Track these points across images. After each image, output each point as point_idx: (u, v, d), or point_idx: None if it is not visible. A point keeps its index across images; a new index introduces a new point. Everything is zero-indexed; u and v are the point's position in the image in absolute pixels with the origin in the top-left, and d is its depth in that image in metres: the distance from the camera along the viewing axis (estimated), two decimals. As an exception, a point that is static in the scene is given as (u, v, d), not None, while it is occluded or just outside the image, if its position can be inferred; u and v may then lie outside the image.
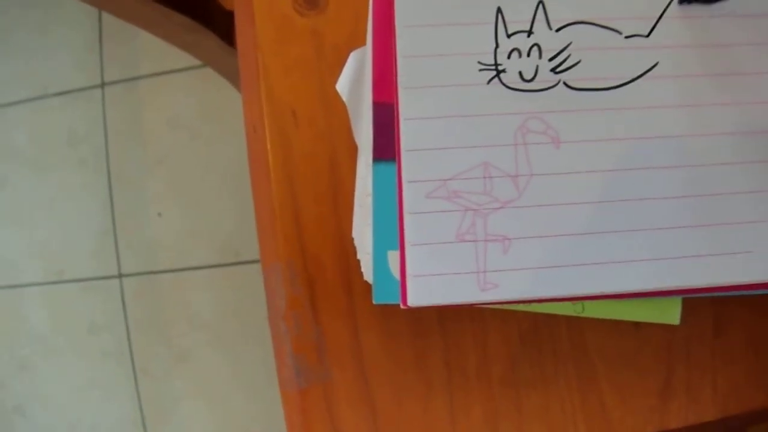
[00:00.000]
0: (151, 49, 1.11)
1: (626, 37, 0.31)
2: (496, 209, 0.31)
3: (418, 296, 0.31)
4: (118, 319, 1.14)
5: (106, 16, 1.13)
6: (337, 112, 0.35)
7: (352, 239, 0.34)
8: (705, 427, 0.35)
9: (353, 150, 0.34)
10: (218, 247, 1.10)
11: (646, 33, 0.32)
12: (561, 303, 0.33)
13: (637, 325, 0.35)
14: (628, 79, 0.31)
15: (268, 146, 0.35)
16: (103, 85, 1.15)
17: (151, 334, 1.14)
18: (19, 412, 1.17)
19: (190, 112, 1.11)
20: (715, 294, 0.32)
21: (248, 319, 1.02)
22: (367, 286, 0.34)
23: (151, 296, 1.14)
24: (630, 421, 0.35)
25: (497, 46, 0.31)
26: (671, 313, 0.34)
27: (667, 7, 0.32)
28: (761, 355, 0.35)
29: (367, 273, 0.33)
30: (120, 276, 1.14)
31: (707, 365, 0.35)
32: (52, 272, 1.16)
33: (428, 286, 0.31)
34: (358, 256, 0.34)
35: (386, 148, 0.31)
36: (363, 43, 0.33)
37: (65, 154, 1.16)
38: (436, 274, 0.31)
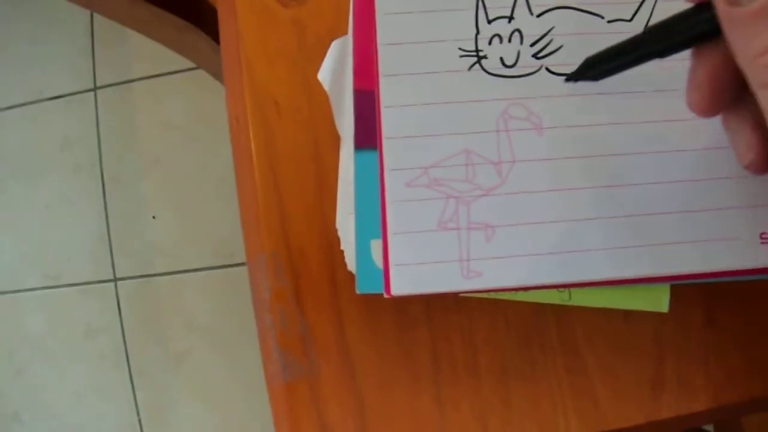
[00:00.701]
0: (143, 53, 1.11)
1: (609, 21, 0.31)
2: (479, 197, 0.30)
3: (401, 285, 0.30)
4: (115, 322, 1.14)
5: (98, 19, 1.13)
6: (319, 102, 0.34)
7: (336, 230, 0.34)
8: (697, 416, 0.35)
9: (336, 140, 0.34)
10: (213, 250, 1.09)
11: (629, 17, 0.31)
12: (547, 291, 0.32)
13: (626, 314, 0.34)
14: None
15: (251, 137, 0.35)
16: (95, 88, 1.15)
17: (147, 337, 1.13)
18: (16, 420, 1.17)
19: (184, 115, 1.10)
20: (702, 281, 0.32)
21: (244, 321, 1.02)
22: (352, 278, 0.33)
23: (147, 299, 1.13)
24: (621, 412, 0.35)
25: (478, 32, 0.30)
26: (659, 301, 0.33)
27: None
28: (753, 343, 0.35)
29: (351, 263, 0.33)
30: (115, 279, 1.14)
31: (699, 354, 0.35)
32: (47, 277, 1.16)
33: (411, 275, 0.30)
34: (342, 247, 0.33)
35: (368, 136, 0.31)
36: (345, 32, 0.33)
37: (59, 158, 1.16)
38: (419, 263, 0.30)
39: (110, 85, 1.15)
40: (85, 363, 1.15)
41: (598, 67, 0.28)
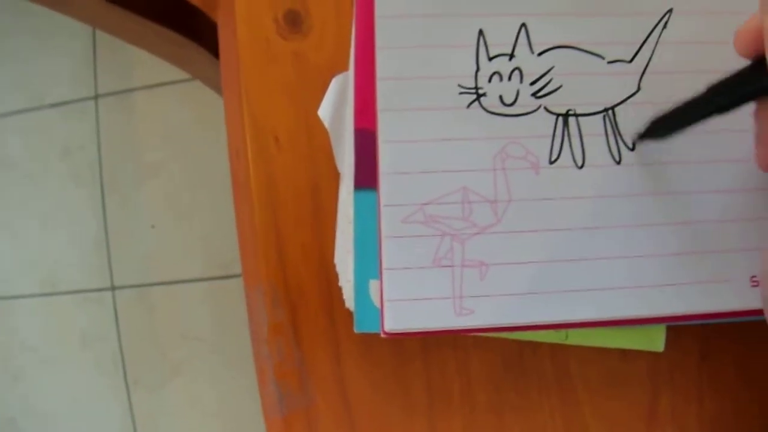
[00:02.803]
0: (145, 61, 1.11)
1: (609, 62, 0.31)
2: (474, 234, 0.30)
3: (394, 321, 0.30)
4: (111, 331, 1.14)
5: (100, 28, 1.12)
6: (319, 136, 0.34)
7: (335, 266, 0.34)
8: (691, 453, 0.35)
9: (336, 175, 0.34)
10: (211, 260, 1.09)
11: (629, 58, 0.31)
12: (544, 331, 0.32)
13: (621, 352, 0.34)
14: (610, 105, 0.31)
15: (251, 170, 0.35)
16: (97, 96, 1.15)
17: (143, 347, 1.13)
18: (12, 425, 1.17)
19: (184, 125, 1.10)
20: (698, 322, 0.32)
21: (241, 332, 1.01)
22: (350, 313, 0.33)
23: (144, 309, 1.13)
24: (615, 447, 0.35)
25: (478, 69, 0.30)
26: (655, 340, 0.33)
27: (651, 32, 0.31)
28: (747, 382, 0.35)
29: (349, 300, 0.33)
30: (113, 288, 1.14)
31: (693, 392, 0.35)
32: (45, 284, 1.16)
33: (405, 311, 0.30)
34: (340, 283, 0.33)
35: (368, 176, 0.31)
36: (345, 67, 0.33)
37: (59, 165, 1.16)
38: (412, 299, 0.30)
39: (111, 94, 1.15)
40: (81, 371, 1.15)
41: (664, 126, 0.29)
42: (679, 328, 0.34)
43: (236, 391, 1.09)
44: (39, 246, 1.17)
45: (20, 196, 1.17)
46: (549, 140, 0.31)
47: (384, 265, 0.30)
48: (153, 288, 1.13)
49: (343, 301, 0.34)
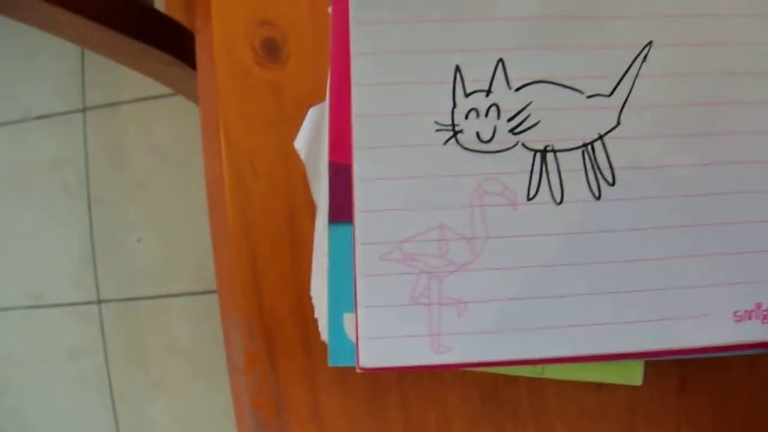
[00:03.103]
0: (132, 75, 1.09)
1: (588, 96, 0.31)
2: (452, 272, 0.30)
3: (371, 358, 0.30)
4: (97, 345, 1.13)
5: (89, 40, 1.12)
6: (296, 166, 0.34)
7: (311, 297, 0.34)
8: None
9: (313, 206, 0.34)
10: (197, 275, 1.09)
11: (609, 92, 0.31)
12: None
13: (598, 385, 0.34)
14: (590, 140, 0.31)
15: (227, 199, 0.35)
16: (84, 109, 1.14)
17: (129, 361, 1.12)
18: (-4, 438, 1.16)
19: (171, 139, 1.10)
20: (678, 357, 0.31)
21: (227, 347, 1.01)
22: (326, 345, 0.33)
23: (130, 322, 1.12)
24: (593, 481, 0.35)
25: (455, 105, 0.30)
26: (633, 374, 0.33)
27: (631, 65, 0.31)
28: (725, 415, 0.35)
29: (324, 332, 0.33)
30: (99, 302, 1.13)
31: (671, 425, 0.35)
32: (31, 296, 1.15)
33: (381, 349, 0.30)
34: (316, 315, 0.33)
35: (343, 210, 0.30)
36: (323, 97, 0.33)
37: (46, 178, 1.15)
38: (389, 337, 0.30)
39: (99, 107, 1.14)
40: (67, 384, 1.14)
41: None
42: (657, 361, 0.33)
43: (220, 407, 1.08)
44: (25, 258, 1.16)
45: (7, 207, 1.16)
46: (527, 176, 0.30)
47: (360, 302, 0.30)
48: (138, 302, 1.12)
49: (319, 333, 0.34)
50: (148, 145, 1.12)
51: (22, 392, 1.16)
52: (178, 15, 0.67)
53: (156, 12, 0.65)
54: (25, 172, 1.16)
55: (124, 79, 1.11)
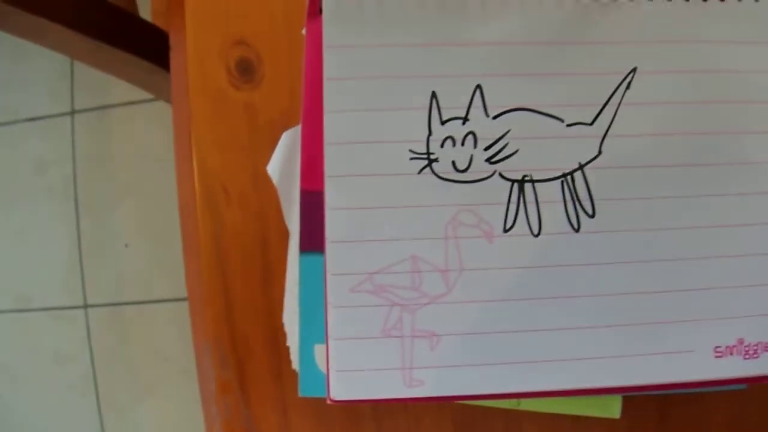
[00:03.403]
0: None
1: (568, 125, 0.30)
2: (425, 305, 0.29)
3: (341, 390, 0.29)
4: (83, 350, 1.12)
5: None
6: (270, 191, 0.33)
7: (283, 325, 0.33)
8: None
9: (286, 232, 0.33)
10: (184, 281, 1.08)
11: (590, 121, 0.30)
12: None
13: (576, 418, 0.33)
14: (569, 170, 0.30)
15: (199, 223, 0.34)
16: (73, 112, 1.13)
17: (116, 366, 1.12)
18: (-19, 442, 1.15)
19: (160, 143, 1.09)
20: (657, 392, 0.31)
21: (214, 354, 1.00)
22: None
23: (117, 328, 1.11)
24: None
25: (430, 133, 0.29)
26: (611, 408, 0.32)
27: (614, 92, 0.30)
28: (706, 445, 0.34)
29: (296, 362, 0.32)
30: (86, 306, 1.12)
31: (651, 456, 0.34)
32: (17, 300, 1.14)
33: (352, 381, 0.29)
34: (288, 343, 0.32)
35: (314, 239, 0.30)
36: (298, 120, 0.32)
37: (33, 181, 1.14)
38: (360, 370, 0.29)
39: (88, 110, 1.13)
40: (53, 389, 1.13)
41: None
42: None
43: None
44: (12, 261, 1.15)
45: (-6, 210, 1.15)
46: (503, 207, 0.29)
47: (330, 334, 0.29)
48: (125, 307, 1.11)
49: (292, 361, 0.33)
50: (137, 150, 1.11)
51: (7, 396, 1.15)
52: (160, 22, 0.66)
53: (137, 19, 0.64)
54: (12, 175, 1.15)
55: (113, 82, 1.10)
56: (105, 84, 1.11)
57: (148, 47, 0.60)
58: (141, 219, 1.10)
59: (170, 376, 1.09)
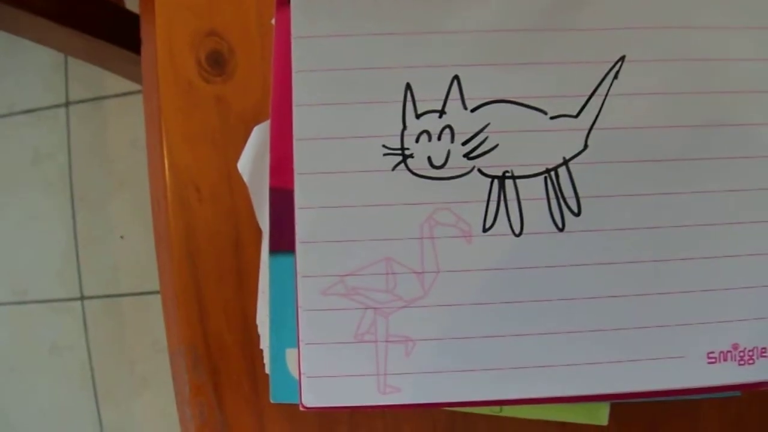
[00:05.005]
0: (116, 69, 1.08)
1: (552, 117, 0.29)
2: (399, 308, 0.28)
3: (313, 397, 0.28)
4: (80, 341, 1.11)
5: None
6: (241, 190, 0.32)
7: (257, 326, 0.32)
8: None
9: (259, 230, 0.32)
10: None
11: (575, 113, 0.29)
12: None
13: (562, 424, 0.32)
14: (553, 166, 0.28)
15: (171, 222, 0.32)
16: (68, 104, 1.12)
17: (113, 358, 1.11)
18: (-21, 433, 1.15)
19: (155, 134, 1.08)
20: (647, 399, 0.29)
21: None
22: (271, 378, 0.31)
23: (114, 319, 1.11)
24: None
25: (405, 127, 0.28)
26: (598, 415, 0.31)
27: (601, 82, 0.29)
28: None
29: (269, 364, 0.31)
30: (82, 298, 1.12)
31: (640, 464, 0.33)
32: (14, 292, 1.14)
33: (325, 388, 0.28)
34: (261, 346, 0.31)
35: (284, 239, 0.28)
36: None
37: (29, 173, 1.13)
38: (333, 376, 0.28)
39: (83, 101, 1.12)
40: (50, 381, 1.13)
41: None
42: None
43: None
44: (8, 254, 1.14)
45: (-11, 202, 1.15)
46: (483, 206, 0.28)
47: (302, 338, 0.28)
48: (122, 299, 1.10)
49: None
50: (132, 140, 1.10)
51: (3, 388, 1.15)
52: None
53: (123, 11, 0.63)
54: (8, 167, 1.14)
55: (107, 73, 1.09)
56: (99, 75, 1.09)
57: (135, 39, 0.59)
58: (136, 210, 1.09)
59: (167, 367, 1.08)
